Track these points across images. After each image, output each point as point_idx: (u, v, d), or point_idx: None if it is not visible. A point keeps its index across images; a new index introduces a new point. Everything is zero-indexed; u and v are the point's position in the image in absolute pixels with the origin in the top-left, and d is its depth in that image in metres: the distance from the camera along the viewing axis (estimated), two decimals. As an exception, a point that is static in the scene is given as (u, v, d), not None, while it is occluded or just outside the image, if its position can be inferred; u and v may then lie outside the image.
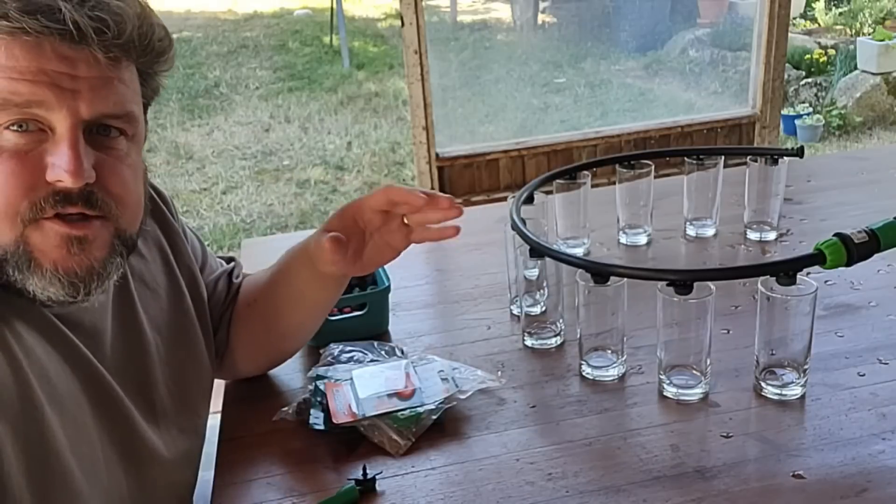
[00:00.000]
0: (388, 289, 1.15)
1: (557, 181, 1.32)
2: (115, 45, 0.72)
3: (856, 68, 5.28)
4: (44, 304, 0.75)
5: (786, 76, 4.35)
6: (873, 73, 5.15)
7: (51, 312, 0.77)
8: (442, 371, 1.02)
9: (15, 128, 0.71)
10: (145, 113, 0.83)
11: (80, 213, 0.73)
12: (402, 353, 1.09)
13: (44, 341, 0.75)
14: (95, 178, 0.73)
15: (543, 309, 1.15)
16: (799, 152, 1.35)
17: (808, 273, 0.96)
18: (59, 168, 0.71)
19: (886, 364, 1.03)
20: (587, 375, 1.04)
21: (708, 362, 0.98)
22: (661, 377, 1.00)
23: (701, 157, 1.37)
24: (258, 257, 1.40)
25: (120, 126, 0.76)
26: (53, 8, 0.69)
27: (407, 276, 1.35)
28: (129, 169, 0.78)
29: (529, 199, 1.23)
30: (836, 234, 0.95)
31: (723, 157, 1.39)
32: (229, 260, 1.11)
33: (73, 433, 0.76)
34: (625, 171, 1.36)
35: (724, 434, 0.92)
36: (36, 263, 0.72)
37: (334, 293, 1.02)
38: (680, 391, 0.99)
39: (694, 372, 0.99)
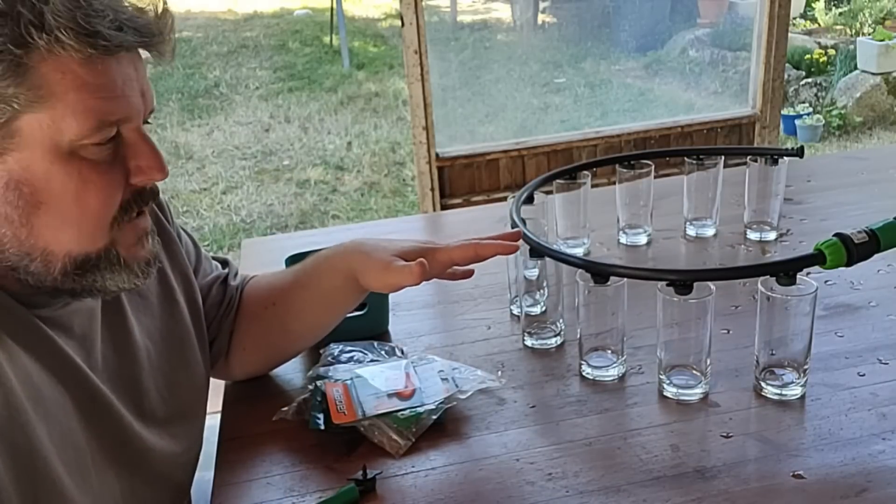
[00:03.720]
0: (388, 289, 1.15)
1: (557, 181, 1.32)
2: (166, 45, 0.76)
3: (856, 68, 5.28)
4: (31, 302, 0.76)
5: (786, 76, 4.35)
6: (873, 73, 5.15)
7: (39, 317, 0.76)
8: (442, 371, 1.02)
9: (104, 143, 0.73)
10: None
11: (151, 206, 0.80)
12: (402, 353, 1.09)
13: (28, 347, 0.74)
14: None
15: (543, 309, 1.15)
16: (799, 152, 1.35)
17: (808, 273, 0.97)
18: (151, 169, 0.75)
19: (886, 364, 1.03)
20: (587, 375, 1.04)
21: (708, 362, 0.98)
22: (661, 377, 1.00)
23: (701, 157, 1.37)
24: (258, 257, 1.40)
25: (150, 119, 0.79)
26: (139, 20, 0.72)
27: (407, 276, 1.35)
28: None
29: (529, 199, 1.23)
30: (836, 234, 0.95)
31: (723, 157, 1.39)
32: (224, 262, 1.11)
33: (60, 439, 0.75)
34: (625, 171, 1.36)
35: (724, 434, 0.92)
36: (125, 262, 0.77)
37: (359, 299, 1.04)
38: (680, 391, 0.99)
39: (694, 372, 0.99)
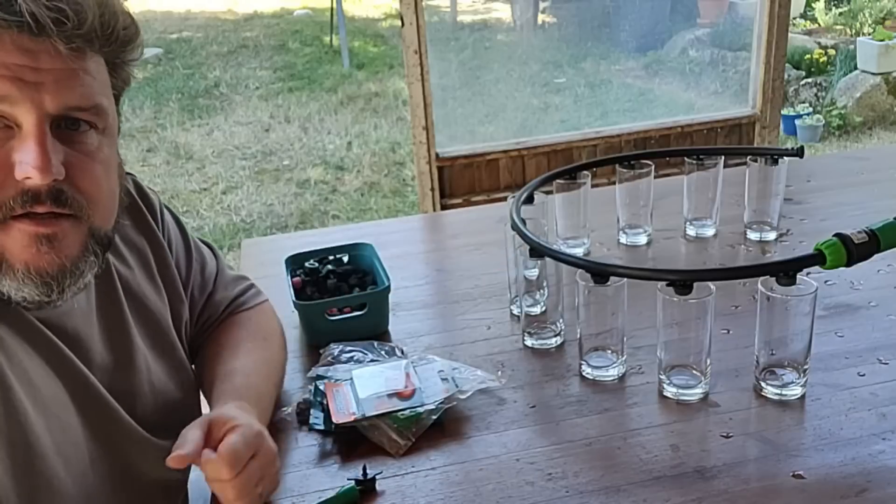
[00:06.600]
0: (388, 289, 1.15)
1: (557, 181, 1.32)
2: (76, 36, 0.71)
3: (856, 68, 5.28)
4: (20, 305, 0.74)
5: (786, 76, 4.35)
6: (873, 73, 5.15)
7: (33, 316, 0.76)
8: (442, 371, 1.02)
9: None
10: (118, 104, 0.82)
11: (50, 212, 0.72)
12: (402, 353, 1.09)
13: (25, 344, 0.75)
14: (65, 174, 0.71)
15: (543, 309, 1.15)
16: (799, 152, 1.35)
17: (808, 273, 0.96)
18: (27, 165, 0.69)
19: (886, 364, 1.03)
20: (587, 375, 1.04)
21: (708, 362, 0.98)
22: (661, 377, 1.00)
23: (701, 157, 1.37)
24: (258, 257, 1.40)
25: (88, 119, 0.75)
26: (10, 0, 0.68)
27: (407, 276, 1.35)
28: (101, 165, 0.76)
29: (529, 199, 1.23)
30: (836, 235, 0.95)
31: (723, 157, 1.39)
32: (248, 287, 1.11)
33: (59, 435, 0.76)
34: (625, 171, 1.36)
35: (724, 434, 0.92)
36: (8, 265, 0.72)
37: None
38: (680, 391, 0.99)
39: (694, 372, 0.99)
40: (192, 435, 0.79)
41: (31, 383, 0.75)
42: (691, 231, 1.43)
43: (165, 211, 1.02)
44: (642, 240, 1.42)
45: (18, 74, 0.69)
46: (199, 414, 0.98)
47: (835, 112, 5.04)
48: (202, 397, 1.00)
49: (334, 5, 6.97)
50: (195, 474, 0.97)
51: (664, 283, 0.95)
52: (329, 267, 1.22)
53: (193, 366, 1.02)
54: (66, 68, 0.71)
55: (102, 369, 0.83)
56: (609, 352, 1.04)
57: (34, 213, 0.71)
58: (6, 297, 0.73)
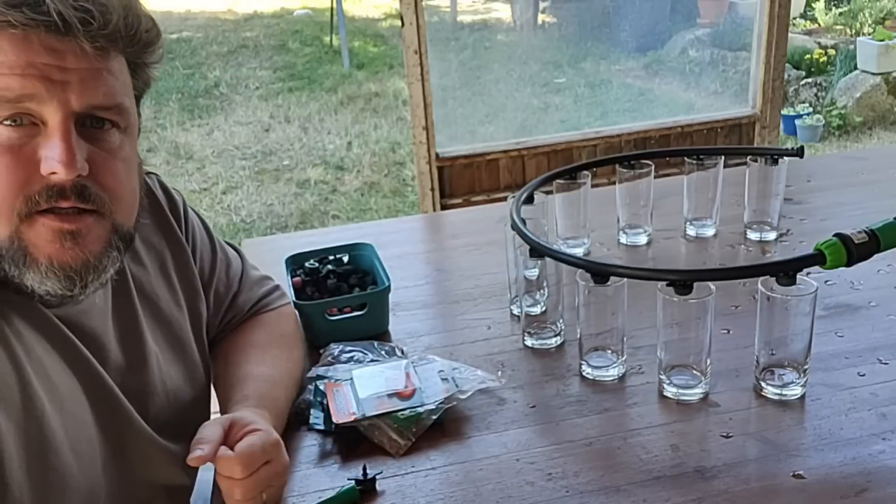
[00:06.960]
0: (388, 289, 1.15)
1: (557, 181, 1.32)
2: (101, 36, 0.72)
3: (856, 68, 5.28)
4: (42, 299, 0.75)
5: (786, 76, 4.35)
6: (873, 73, 5.15)
7: (52, 314, 0.77)
8: (442, 371, 1.02)
9: (8, 122, 0.71)
10: (138, 105, 0.84)
11: (74, 207, 0.73)
12: (402, 353, 1.09)
13: (44, 340, 0.76)
14: (88, 171, 0.73)
15: (543, 309, 1.15)
16: (799, 152, 1.35)
17: (808, 273, 0.96)
18: (52, 160, 0.71)
19: (886, 364, 1.03)
20: (587, 375, 1.04)
21: (708, 362, 0.98)
22: (661, 377, 1.00)
23: (701, 157, 1.37)
24: (258, 257, 1.40)
25: (111, 118, 0.76)
26: (38, 0, 0.70)
27: (407, 276, 1.35)
28: (123, 162, 0.78)
29: (529, 199, 1.23)
30: (836, 235, 0.95)
31: (723, 157, 1.39)
32: (273, 289, 1.12)
33: (73, 431, 0.77)
34: (625, 171, 1.36)
35: (724, 434, 0.92)
36: (31, 258, 0.73)
37: None
38: (680, 391, 0.99)
39: (694, 372, 0.99)
40: (211, 434, 0.81)
41: (49, 379, 0.76)
42: (691, 231, 1.43)
43: (190, 211, 1.02)
44: (642, 240, 1.42)
45: (46, 73, 0.71)
46: (209, 416, 0.99)
47: (835, 112, 5.04)
48: (212, 398, 1.01)
49: (334, 5, 6.96)
50: (199, 474, 0.97)
51: (664, 283, 0.95)
52: (329, 267, 1.23)
53: (213, 360, 1.02)
54: (91, 68, 0.73)
55: (116, 369, 0.84)
56: (609, 352, 1.04)
57: (59, 208, 0.73)
58: (29, 290, 0.74)
